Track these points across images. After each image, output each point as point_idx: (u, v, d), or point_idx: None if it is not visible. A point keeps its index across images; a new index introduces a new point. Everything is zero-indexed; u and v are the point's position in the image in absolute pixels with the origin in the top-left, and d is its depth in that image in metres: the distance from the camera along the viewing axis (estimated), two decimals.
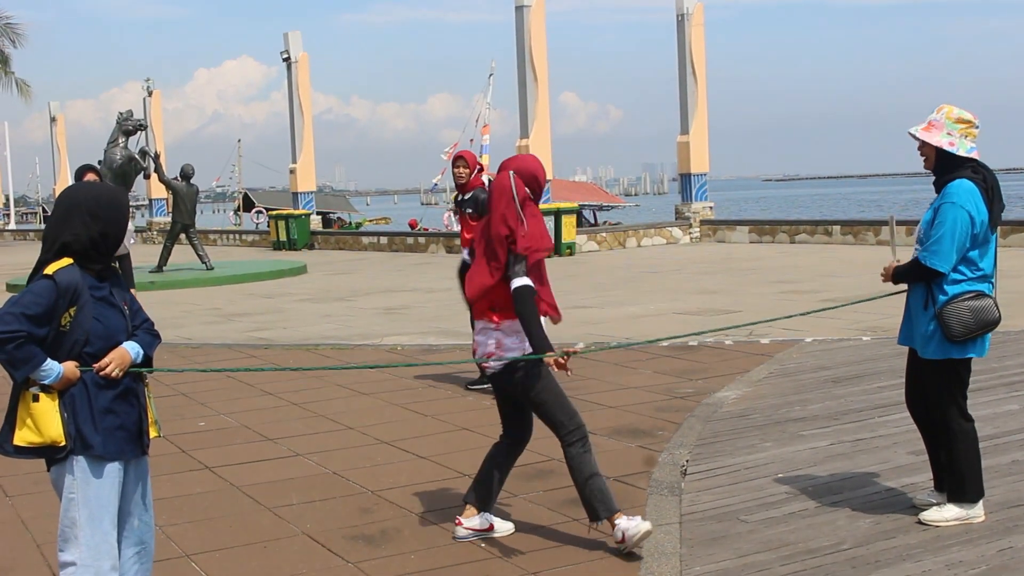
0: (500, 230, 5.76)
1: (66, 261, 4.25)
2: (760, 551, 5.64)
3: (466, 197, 9.85)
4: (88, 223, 4.28)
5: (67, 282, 4.20)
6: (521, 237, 5.71)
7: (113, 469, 4.32)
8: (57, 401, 4.21)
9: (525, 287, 5.65)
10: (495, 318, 5.87)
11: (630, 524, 5.67)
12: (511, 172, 5.90)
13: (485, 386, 9.46)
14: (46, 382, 4.18)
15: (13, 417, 4.27)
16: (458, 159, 9.82)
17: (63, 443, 4.22)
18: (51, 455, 4.26)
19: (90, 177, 10.05)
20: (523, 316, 5.67)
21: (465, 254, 6.79)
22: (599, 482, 5.82)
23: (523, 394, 5.95)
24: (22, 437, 4.23)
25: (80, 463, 4.24)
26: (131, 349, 4.34)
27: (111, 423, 4.29)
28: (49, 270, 4.22)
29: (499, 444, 6.33)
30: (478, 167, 9.93)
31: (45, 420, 4.21)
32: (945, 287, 5.80)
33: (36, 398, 4.22)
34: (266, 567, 5.79)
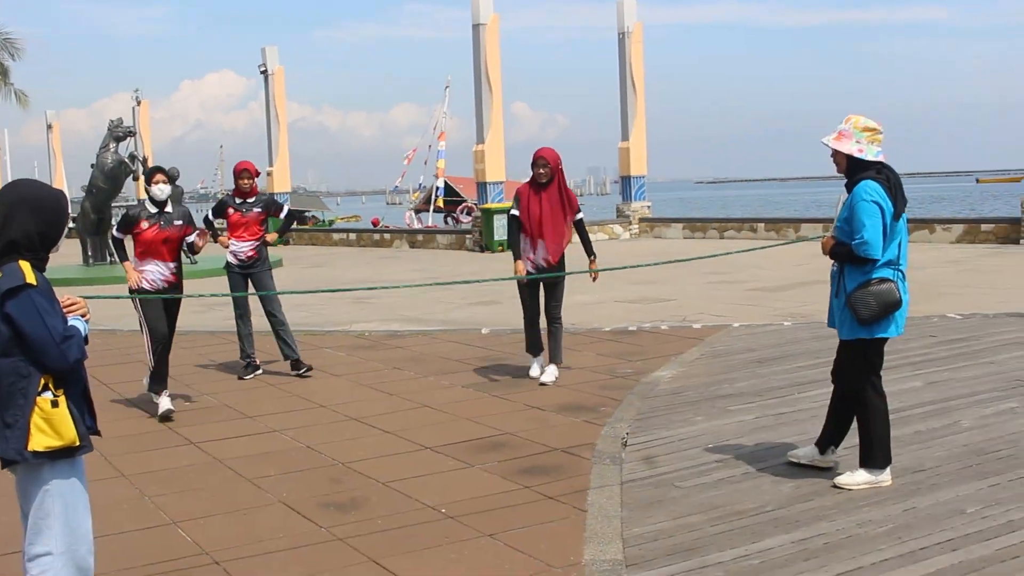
0: (573, 196, 9.65)
1: (27, 266, 3.89)
2: (693, 513, 5.68)
3: (250, 200, 10.43)
4: (30, 219, 3.93)
5: (44, 284, 3.93)
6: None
7: (82, 458, 4.08)
8: (66, 402, 3.95)
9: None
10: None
11: None
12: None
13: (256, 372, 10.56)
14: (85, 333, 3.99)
15: (25, 424, 3.87)
16: (243, 171, 10.44)
17: (79, 443, 3.97)
18: (63, 456, 3.96)
19: (158, 178, 8.94)
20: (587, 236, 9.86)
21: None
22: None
23: (559, 283, 9.67)
24: (41, 443, 3.88)
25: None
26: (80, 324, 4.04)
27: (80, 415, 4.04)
28: (30, 279, 3.85)
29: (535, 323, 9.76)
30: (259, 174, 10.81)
31: (65, 423, 3.92)
32: (854, 276, 5.89)
33: (55, 403, 3.91)
34: (246, 532, 5.76)
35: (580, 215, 9.66)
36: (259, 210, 10.43)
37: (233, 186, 10.63)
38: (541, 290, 9.67)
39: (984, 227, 23.73)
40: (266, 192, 10.94)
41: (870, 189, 5.81)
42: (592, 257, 9.71)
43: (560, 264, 9.53)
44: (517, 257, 9.51)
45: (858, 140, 5.89)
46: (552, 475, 6.57)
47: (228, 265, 10.45)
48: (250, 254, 10.38)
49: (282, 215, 10.79)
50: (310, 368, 10.37)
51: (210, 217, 10.86)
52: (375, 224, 50.59)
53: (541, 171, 9.48)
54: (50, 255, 4.09)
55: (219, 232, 10.49)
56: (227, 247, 10.39)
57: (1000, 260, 19.40)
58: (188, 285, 19.92)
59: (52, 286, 4.02)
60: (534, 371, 9.74)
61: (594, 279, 9.97)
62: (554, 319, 9.65)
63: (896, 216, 5.86)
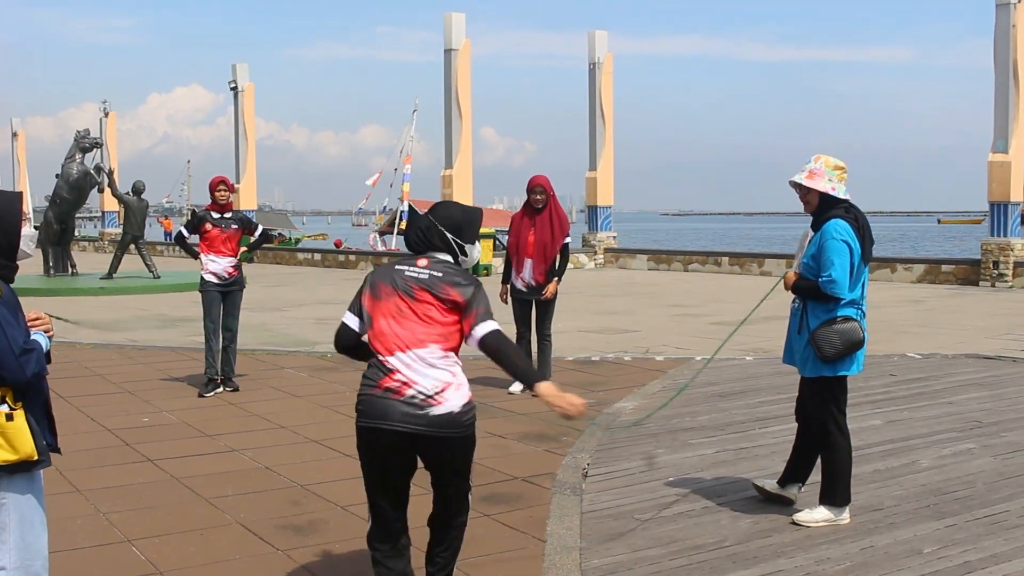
0: (566, 221, 10.18)
1: None
2: (652, 547, 5.68)
3: (227, 216, 10.50)
4: None
5: (9, 294, 3.88)
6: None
7: (40, 473, 4.01)
8: (24, 417, 3.87)
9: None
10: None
11: None
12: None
13: (217, 391, 10.45)
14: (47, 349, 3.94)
15: None
16: (220, 184, 10.51)
17: (37, 457, 3.89)
18: (20, 470, 3.87)
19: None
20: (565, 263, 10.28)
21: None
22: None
23: (550, 302, 10.23)
24: None
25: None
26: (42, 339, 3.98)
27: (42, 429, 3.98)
28: None
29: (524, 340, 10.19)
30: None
31: (21, 438, 3.84)
32: (817, 313, 5.93)
33: (10, 417, 3.82)
34: (202, 552, 5.69)
35: (567, 239, 10.20)
36: (236, 227, 10.50)
37: (202, 202, 10.68)
38: (533, 310, 10.28)
39: (945, 268, 24.00)
40: (239, 210, 10.98)
41: (840, 228, 5.86)
42: (555, 279, 10.20)
43: (548, 283, 10.14)
44: (504, 282, 10.40)
45: (830, 178, 5.96)
46: (512, 504, 6.55)
47: (205, 283, 10.39)
48: (231, 272, 10.39)
49: (257, 233, 10.78)
50: (237, 388, 10.52)
51: (184, 233, 10.80)
52: (338, 245, 50.46)
53: (538, 197, 10.17)
54: (18, 264, 4.02)
55: (196, 251, 10.53)
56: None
57: (960, 301, 19.62)
58: (152, 300, 19.62)
59: (18, 298, 3.98)
60: (514, 388, 10.20)
61: (545, 296, 10.18)
62: (544, 336, 10.26)
63: (864, 257, 5.92)
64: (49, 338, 4.04)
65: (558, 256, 10.19)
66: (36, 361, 3.87)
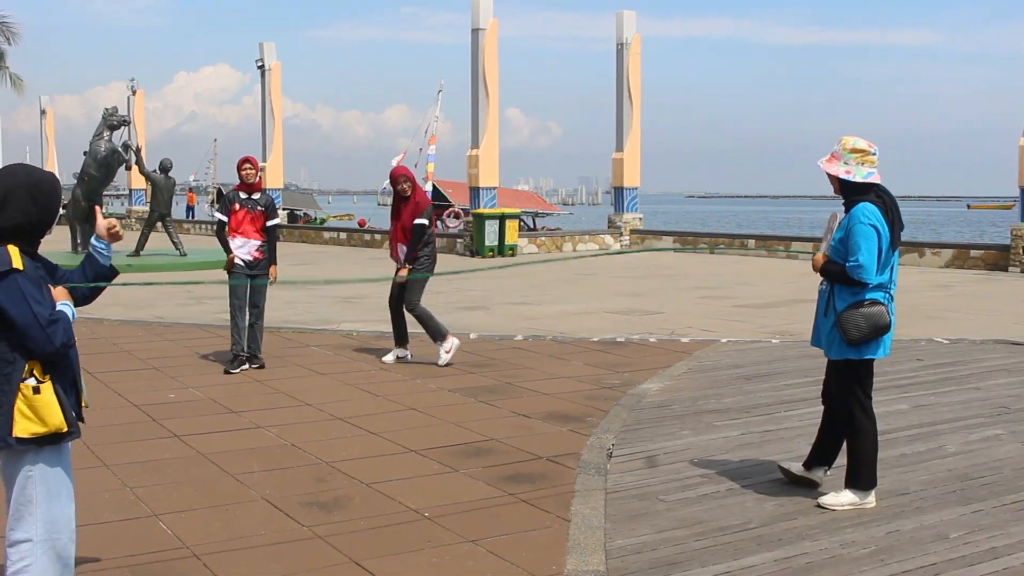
0: (422, 205, 10.76)
1: (15, 251, 3.88)
2: (676, 527, 5.67)
3: (255, 196, 10.63)
4: (28, 208, 3.93)
5: (32, 270, 3.93)
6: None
7: (68, 445, 4.08)
8: (53, 389, 3.93)
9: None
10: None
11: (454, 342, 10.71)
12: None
13: (243, 367, 10.51)
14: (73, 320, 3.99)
15: (9, 410, 3.87)
16: (246, 162, 10.65)
17: (66, 429, 3.96)
18: (50, 442, 3.95)
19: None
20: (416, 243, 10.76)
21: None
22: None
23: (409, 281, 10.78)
24: (25, 429, 3.87)
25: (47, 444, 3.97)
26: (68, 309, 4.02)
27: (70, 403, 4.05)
28: (16, 264, 3.84)
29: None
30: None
31: (49, 410, 3.90)
32: (844, 296, 5.90)
33: (37, 390, 3.89)
34: (228, 528, 5.73)
35: (420, 220, 10.68)
36: (262, 209, 10.55)
37: (228, 180, 10.65)
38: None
39: (973, 253, 23.81)
40: (267, 191, 10.94)
41: (868, 212, 5.81)
42: (406, 264, 10.85)
43: (417, 265, 10.79)
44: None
45: (846, 162, 5.90)
46: (536, 483, 6.55)
47: (234, 265, 10.44)
48: (256, 255, 10.44)
49: (270, 223, 10.61)
50: (263, 365, 10.56)
51: (223, 219, 10.60)
52: (361, 225, 50.59)
53: (404, 187, 10.76)
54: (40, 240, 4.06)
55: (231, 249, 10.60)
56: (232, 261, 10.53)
57: (989, 286, 19.47)
58: (178, 277, 19.64)
59: (44, 273, 4.02)
60: (388, 358, 10.96)
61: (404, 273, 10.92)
62: (408, 310, 10.92)
63: (893, 242, 5.86)
64: (73, 309, 4.06)
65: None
66: (64, 331, 3.92)
